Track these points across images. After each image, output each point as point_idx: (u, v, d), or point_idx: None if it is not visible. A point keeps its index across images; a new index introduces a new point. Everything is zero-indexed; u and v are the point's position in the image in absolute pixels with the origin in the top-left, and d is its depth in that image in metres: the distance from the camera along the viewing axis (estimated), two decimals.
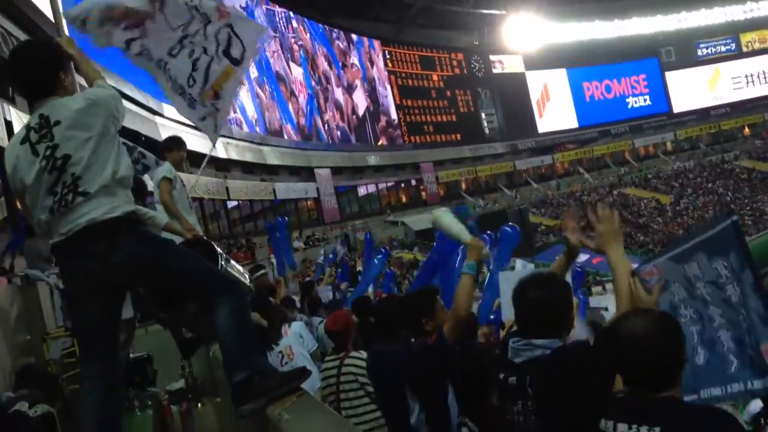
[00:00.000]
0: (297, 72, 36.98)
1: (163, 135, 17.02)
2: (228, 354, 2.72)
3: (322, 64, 39.04)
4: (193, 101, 4.20)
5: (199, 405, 6.08)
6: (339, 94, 40.00)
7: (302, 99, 36.91)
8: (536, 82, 50.24)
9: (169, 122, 21.18)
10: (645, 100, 52.78)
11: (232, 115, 30.56)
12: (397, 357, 3.63)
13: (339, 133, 39.50)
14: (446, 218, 3.61)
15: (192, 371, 6.78)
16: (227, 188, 27.98)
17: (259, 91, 33.31)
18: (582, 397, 2.29)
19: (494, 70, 48.68)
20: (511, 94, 48.60)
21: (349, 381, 4.32)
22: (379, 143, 41.79)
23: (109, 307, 2.84)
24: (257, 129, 32.50)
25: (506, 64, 49.15)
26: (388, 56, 43.70)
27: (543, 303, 2.39)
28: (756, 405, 5.90)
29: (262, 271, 8.29)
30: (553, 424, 2.28)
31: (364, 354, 4.30)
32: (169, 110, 21.82)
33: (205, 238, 4.56)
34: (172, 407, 5.76)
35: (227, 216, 30.32)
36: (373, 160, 40.69)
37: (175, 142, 5.75)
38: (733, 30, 52.28)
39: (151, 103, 21.69)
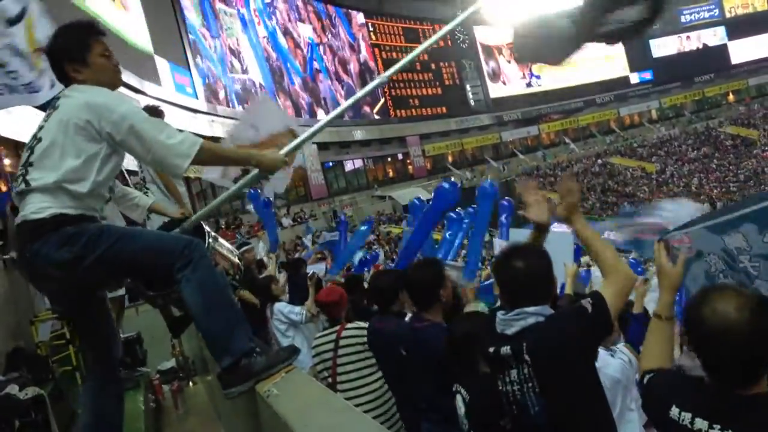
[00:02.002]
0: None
1: None
2: (207, 338, 2.66)
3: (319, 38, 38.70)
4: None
5: (191, 383, 6.11)
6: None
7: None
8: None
9: (154, 102, 20.93)
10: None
11: (218, 91, 30.29)
12: (398, 332, 3.68)
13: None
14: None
15: (182, 350, 6.80)
16: None
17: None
18: (581, 359, 2.34)
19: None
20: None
21: (348, 353, 4.31)
22: (365, 118, 41.56)
23: (79, 302, 2.76)
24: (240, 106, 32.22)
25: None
26: (371, 29, 43.30)
27: (529, 271, 2.42)
28: None
29: (247, 247, 8.27)
30: (554, 389, 2.31)
31: (363, 324, 4.29)
32: (150, 88, 21.58)
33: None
34: (163, 386, 5.78)
35: (215, 195, 30.14)
36: (359, 134, 40.50)
37: (158, 115, 5.57)
38: None
39: (132, 80, 21.41)
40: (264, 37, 35.25)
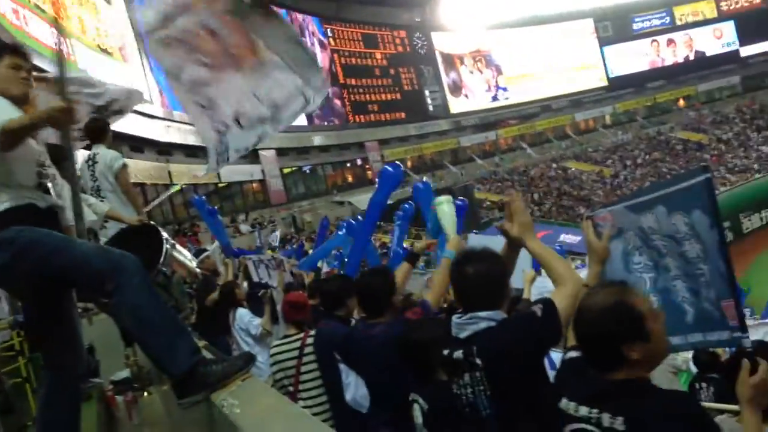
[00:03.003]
0: None
1: None
2: (149, 357, 2.63)
3: None
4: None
5: (145, 394, 5.97)
6: None
7: None
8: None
9: None
10: None
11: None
12: (335, 335, 3.67)
13: None
14: (447, 208, 3.80)
15: (137, 360, 6.65)
16: (170, 172, 27.38)
17: None
18: (530, 365, 2.37)
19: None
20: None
21: (313, 360, 4.25)
22: (324, 123, 41.44)
23: (37, 304, 2.73)
24: None
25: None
26: (330, 34, 43.24)
27: (483, 277, 2.44)
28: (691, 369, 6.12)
29: (206, 254, 8.18)
30: (504, 392, 2.32)
31: None
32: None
33: (152, 223, 4.43)
34: (116, 397, 5.64)
35: (170, 200, 29.70)
36: (318, 140, 40.38)
37: (108, 127, 5.47)
38: (668, 4, 53.51)
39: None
40: None
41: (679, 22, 53.94)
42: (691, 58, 54.15)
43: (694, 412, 1.82)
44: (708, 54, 53.83)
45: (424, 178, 42.59)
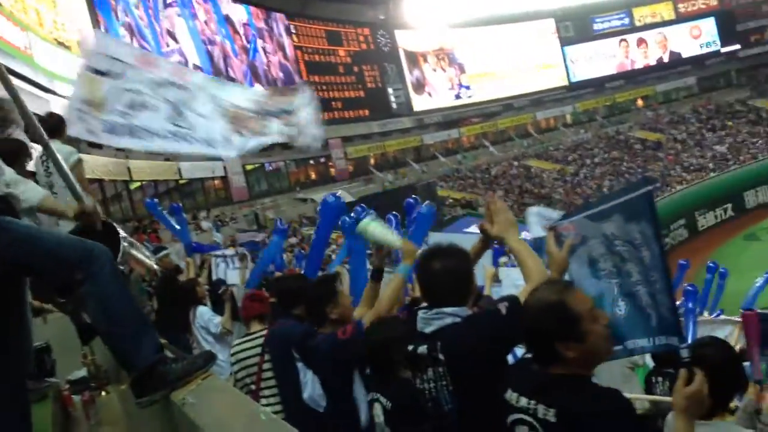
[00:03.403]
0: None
1: None
2: (113, 351, 2.58)
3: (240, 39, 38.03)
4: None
5: (103, 393, 5.86)
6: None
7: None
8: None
9: (64, 101, 20.09)
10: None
11: None
12: (290, 336, 3.66)
13: None
14: (373, 228, 3.52)
15: (95, 359, 6.53)
16: (129, 168, 26.92)
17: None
18: (493, 361, 2.39)
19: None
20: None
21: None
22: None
23: None
24: None
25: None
26: (293, 30, 42.95)
27: (449, 272, 2.46)
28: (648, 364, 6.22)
29: (165, 252, 8.05)
30: (466, 388, 2.34)
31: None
32: (61, 87, 20.68)
33: (108, 220, 4.33)
34: (73, 397, 5.52)
35: (130, 197, 29.23)
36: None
37: (64, 122, 5.33)
38: (627, 5, 54.40)
39: (42, 79, 20.52)
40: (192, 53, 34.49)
41: (638, 23, 54.81)
42: (666, 59, 54.47)
43: (622, 407, 1.91)
44: (684, 56, 54.23)
45: (388, 176, 42.80)
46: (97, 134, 3.48)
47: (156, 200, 13.66)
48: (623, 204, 2.44)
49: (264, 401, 4.13)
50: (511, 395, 2.05)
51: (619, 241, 2.50)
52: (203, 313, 6.31)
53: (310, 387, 3.55)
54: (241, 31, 39.15)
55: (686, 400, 2.09)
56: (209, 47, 36.16)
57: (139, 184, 29.37)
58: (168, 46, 32.66)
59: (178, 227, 10.24)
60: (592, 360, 2.01)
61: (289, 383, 3.70)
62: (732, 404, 3.01)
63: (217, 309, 6.52)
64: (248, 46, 39.41)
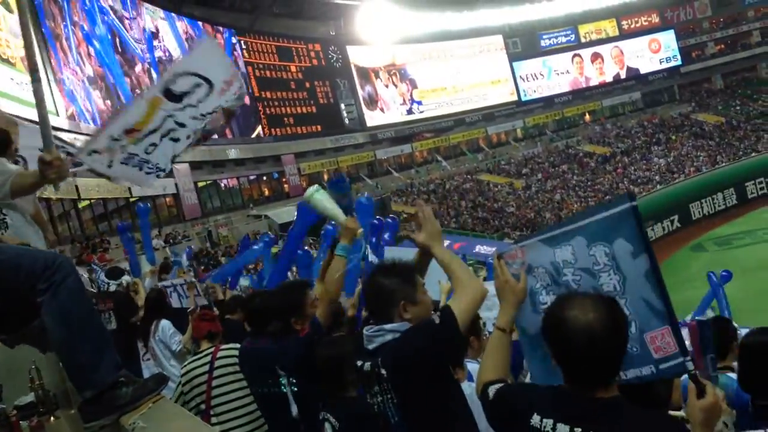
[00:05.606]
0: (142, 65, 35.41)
1: None
2: (70, 369, 2.49)
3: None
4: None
5: (52, 418, 5.70)
6: None
7: None
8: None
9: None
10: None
11: (83, 107, 28.84)
12: (269, 353, 3.61)
13: None
14: (319, 197, 3.49)
15: (43, 383, 6.35)
16: (77, 187, 26.30)
17: (104, 84, 31.58)
18: (433, 371, 2.43)
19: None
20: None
21: (224, 374, 4.19)
22: (239, 136, 40.82)
23: None
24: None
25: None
26: (244, 46, 42.75)
27: (389, 290, 2.48)
28: None
29: (124, 278, 7.89)
30: (409, 399, 2.37)
31: (238, 345, 4.18)
32: (3, 103, 20.14)
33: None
34: (21, 423, 5.36)
35: (78, 216, 28.53)
36: (233, 153, 39.73)
37: (9, 139, 5.19)
38: (572, 22, 55.74)
39: None
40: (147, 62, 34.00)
41: (584, 40, 56.18)
42: (623, 76, 55.59)
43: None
44: (643, 71, 55.40)
45: None
46: (112, 168, 3.45)
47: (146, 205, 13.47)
48: (593, 224, 2.24)
49: (215, 419, 4.07)
50: (545, 422, 1.92)
51: (570, 269, 2.32)
52: (166, 328, 6.18)
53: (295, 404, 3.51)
54: (188, 46, 38.75)
55: (703, 413, 1.95)
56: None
57: (88, 202, 28.65)
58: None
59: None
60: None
61: (274, 401, 3.61)
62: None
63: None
64: None
